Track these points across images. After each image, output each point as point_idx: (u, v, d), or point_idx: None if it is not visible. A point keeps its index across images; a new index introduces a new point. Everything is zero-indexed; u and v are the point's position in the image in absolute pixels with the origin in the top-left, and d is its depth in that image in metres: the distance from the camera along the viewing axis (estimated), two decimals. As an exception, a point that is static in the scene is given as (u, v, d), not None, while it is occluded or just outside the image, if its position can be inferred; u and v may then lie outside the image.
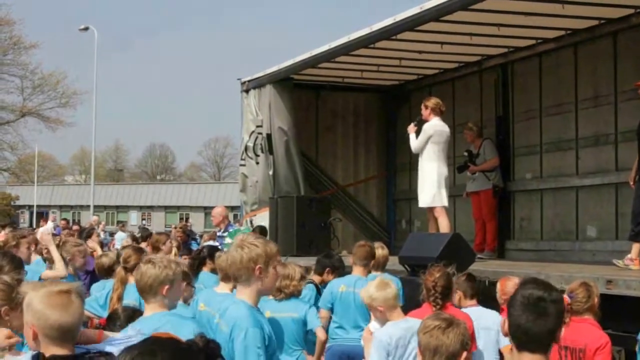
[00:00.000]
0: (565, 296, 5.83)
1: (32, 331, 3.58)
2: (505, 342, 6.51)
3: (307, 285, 8.32)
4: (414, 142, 10.99)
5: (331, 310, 7.97)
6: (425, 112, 11.04)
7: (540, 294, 3.35)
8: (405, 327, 5.93)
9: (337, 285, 8.01)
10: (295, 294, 7.20)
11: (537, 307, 3.32)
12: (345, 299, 7.90)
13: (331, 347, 7.76)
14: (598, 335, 5.79)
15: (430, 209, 11.02)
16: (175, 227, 17.40)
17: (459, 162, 13.59)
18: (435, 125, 10.91)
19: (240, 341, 4.43)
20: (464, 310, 6.66)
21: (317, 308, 7.95)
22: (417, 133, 11.03)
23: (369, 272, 8.24)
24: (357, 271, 8.07)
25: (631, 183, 9.80)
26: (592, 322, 5.84)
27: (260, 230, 14.37)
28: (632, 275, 8.20)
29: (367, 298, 6.16)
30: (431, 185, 10.84)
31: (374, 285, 6.15)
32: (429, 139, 10.85)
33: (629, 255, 9.39)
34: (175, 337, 2.64)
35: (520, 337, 3.33)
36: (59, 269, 7.77)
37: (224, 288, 6.80)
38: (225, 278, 6.62)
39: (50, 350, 3.53)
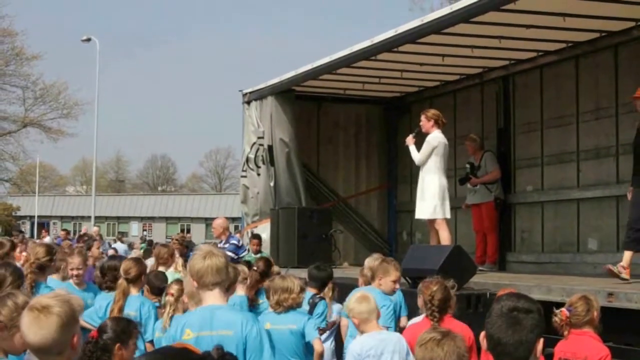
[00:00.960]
0: (564, 310, 5.85)
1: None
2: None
3: (320, 302, 8.28)
4: (417, 154, 10.98)
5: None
6: (427, 124, 11.03)
7: (513, 304, 3.28)
8: (379, 338, 6.11)
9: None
10: (294, 307, 7.16)
11: (509, 317, 3.25)
12: None
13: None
14: (598, 348, 5.79)
15: (432, 221, 11.02)
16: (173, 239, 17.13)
17: (460, 175, 13.60)
18: (437, 137, 10.91)
19: (253, 337, 4.67)
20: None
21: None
22: (417, 145, 11.04)
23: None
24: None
25: (629, 196, 9.81)
26: (592, 335, 5.84)
27: (254, 236, 14.40)
28: (633, 288, 8.19)
29: (346, 309, 6.42)
30: (433, 197, 10.82)
31: (353, 298, 6.35)
32: (433, 151, 10.86)
33: (621, 263, 9.36)
34: (190, 348, 2.61)
35: (494, 348, 3.26)
36: None
37: None
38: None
39: None
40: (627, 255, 9.37)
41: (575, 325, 5.79)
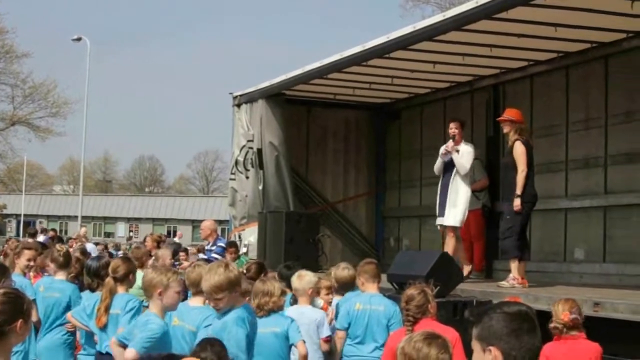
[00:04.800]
0: (567, 312, 5.94)
1: None
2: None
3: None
4: (464, 163, 11.02)
5: (347, 329, 7.87)
6: (461, 133, 11.11)
7: (517, 309, 3.21)
8: (299, 312, 7.49)
9: (353, 304, 7.90)
10: (275, 310, 7.12)
11: (517, 324, 3.17)
12: (362, 317, 7.81)
13: None
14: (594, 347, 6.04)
15: (445, 228, 11.10)
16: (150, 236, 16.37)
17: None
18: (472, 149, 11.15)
19: None
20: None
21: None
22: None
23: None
24: (371, 288, 7.98)
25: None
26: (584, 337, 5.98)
27: (230, 244, 14.27)
28: (619, 298, 8.22)
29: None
30: (463, 205, 10.99)
31: (295, 276, 7.73)
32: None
33: (511, 275, 9.84)
34: None
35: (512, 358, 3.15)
36: None
37: (196, 302, 6.71)
38: (198, 292, 6.62)
39: None
40: (514, 265, 9.90)
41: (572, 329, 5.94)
